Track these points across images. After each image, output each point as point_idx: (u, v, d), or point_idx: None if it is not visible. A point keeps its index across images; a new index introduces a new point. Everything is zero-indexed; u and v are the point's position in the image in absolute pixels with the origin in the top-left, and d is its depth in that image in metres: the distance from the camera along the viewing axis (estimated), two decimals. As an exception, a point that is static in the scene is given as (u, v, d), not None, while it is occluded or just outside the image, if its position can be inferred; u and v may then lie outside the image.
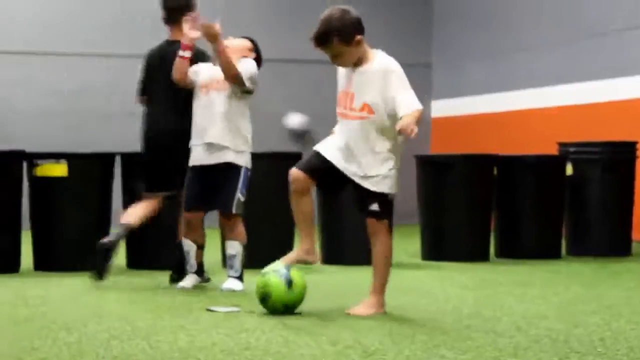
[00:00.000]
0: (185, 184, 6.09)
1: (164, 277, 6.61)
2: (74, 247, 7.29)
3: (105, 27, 12.78)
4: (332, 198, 6.45)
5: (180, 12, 6.18)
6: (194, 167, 6.02)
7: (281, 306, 4.90)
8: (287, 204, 5.16)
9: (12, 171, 7.39)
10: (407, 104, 4.79)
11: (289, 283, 4.89)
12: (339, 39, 4.83)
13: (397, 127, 4.70)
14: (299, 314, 4.95)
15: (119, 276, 6.81)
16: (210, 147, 5.94)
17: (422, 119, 4.95)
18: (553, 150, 9.30)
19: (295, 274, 4.94)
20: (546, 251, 8.41)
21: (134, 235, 6.62)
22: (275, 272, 4.93)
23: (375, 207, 4.99)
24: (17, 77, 12.96)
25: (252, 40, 6.19)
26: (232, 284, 5.96)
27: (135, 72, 6.78)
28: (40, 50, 12.97)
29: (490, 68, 12.74)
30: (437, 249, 8.34)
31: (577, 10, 11.32)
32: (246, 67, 5.93)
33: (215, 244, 7.26)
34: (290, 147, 6.09)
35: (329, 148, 5.00)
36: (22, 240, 7.42)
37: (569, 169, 8.72)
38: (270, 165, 7.27)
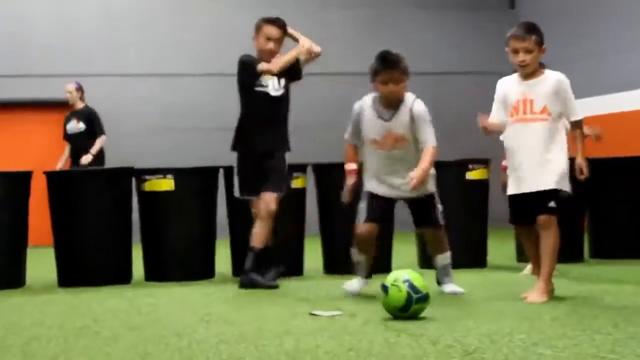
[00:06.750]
0: None
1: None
2: (181, 258, 7.56)
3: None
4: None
5: None
6: None
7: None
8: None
9: (122, 187, 7.63)
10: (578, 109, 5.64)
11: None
12: (537, 38, 5.59)
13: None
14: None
15: (226, 284, 7.08)
16: None
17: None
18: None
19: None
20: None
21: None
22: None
23: (552, 203, 5.53)
24: (126, 98, 13.76)
25: None
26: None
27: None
28: (151, 72, 13.70)
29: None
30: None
31: None
32: None
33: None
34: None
35: (515, 186, 5.68)
36: (132, 253, 7.77)
37: None
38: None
